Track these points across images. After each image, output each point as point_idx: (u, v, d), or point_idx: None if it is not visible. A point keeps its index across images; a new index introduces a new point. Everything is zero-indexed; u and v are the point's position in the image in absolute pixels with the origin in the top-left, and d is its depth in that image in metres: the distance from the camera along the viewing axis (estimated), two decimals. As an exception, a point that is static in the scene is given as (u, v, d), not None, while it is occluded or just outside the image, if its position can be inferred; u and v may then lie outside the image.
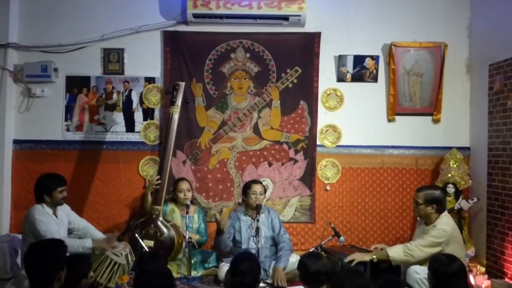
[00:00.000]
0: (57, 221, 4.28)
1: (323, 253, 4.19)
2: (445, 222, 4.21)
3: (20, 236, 4.70)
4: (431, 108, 5.73)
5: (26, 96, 5.69)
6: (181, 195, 5.13)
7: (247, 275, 3.19)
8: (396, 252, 4.23)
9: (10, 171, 5.63)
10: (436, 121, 5.75)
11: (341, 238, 4.78)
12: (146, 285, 2.77)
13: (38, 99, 5.70)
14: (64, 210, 4.46)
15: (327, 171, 5.72)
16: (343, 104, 5.74)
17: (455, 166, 5.44)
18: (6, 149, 5.58)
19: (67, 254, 2.94)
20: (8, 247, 4.95)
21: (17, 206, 5.54)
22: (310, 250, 4.87)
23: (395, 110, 5.72)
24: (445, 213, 4.33)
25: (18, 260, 4.81)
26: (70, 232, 4.49)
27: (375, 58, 5.71)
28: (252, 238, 4.73)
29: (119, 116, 5.72)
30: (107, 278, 4.12)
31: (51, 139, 5.69)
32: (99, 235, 4.56)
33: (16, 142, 5.67)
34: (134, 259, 4.30)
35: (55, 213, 4.30)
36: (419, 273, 4.03)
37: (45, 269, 2.66)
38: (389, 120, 5.75)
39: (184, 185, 5.19)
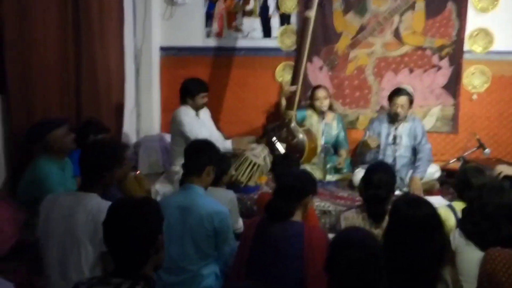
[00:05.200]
0: (200, 122, 4.63)
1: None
2: None
3: (168, 136, 5.13)
4: None
5: (169, 4, 5.91)
6: (318, 103, 5.08)
7: (381, 188, 3.11)
8: None
9: (158, 76, 6.02)
10: None
11: (486, 150, 4.54)
12: (285, 186, 2.87)
13: (180, 7, 5.88)
14: (206, 113, 4.81)
15: (475, 79, 5.26)
16: (498, 4, 5.11)
17: None
18: (154, 55, 5.93)
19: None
20: (160, 145, 5.43)
21: (165, 109, 5.96)
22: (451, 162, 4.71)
23: (562, 10, 5.00)
24: None
25: (168, 157, 5.29)
26: None
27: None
28: (389, 146, 4.65)
29: (256, 22, 5.73)
30: (248, 177, 4.40)
31: (193, 45, 5.92)
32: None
33: (162, 49, 6.00)
34: (272, 161, 4.50)
35: (197, 115, 4.66)
36: None
37: (198, 161, 3.04)
38: (554, 22, 5.06)
39: (320, 93, 5.11)
